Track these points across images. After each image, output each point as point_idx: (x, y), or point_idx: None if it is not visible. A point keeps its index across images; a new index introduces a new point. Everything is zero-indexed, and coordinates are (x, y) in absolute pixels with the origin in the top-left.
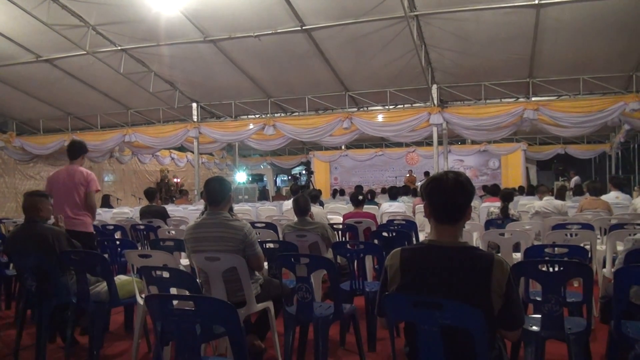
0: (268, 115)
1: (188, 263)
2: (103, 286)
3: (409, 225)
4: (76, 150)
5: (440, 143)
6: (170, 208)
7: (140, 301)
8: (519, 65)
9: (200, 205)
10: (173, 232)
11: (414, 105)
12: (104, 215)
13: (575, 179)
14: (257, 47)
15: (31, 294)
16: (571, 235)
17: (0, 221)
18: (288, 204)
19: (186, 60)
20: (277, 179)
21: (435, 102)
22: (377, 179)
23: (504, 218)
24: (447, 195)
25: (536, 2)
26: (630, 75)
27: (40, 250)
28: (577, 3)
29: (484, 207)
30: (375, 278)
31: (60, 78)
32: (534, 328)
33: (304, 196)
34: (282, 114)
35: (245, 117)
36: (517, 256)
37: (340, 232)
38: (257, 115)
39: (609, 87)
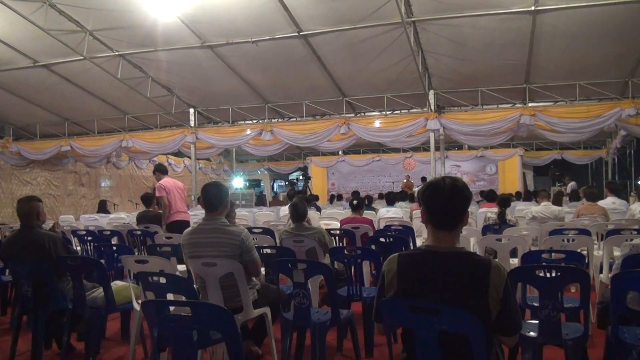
0: (265, 120)
1: (185, 269)
2: (99, 292)
3: (406, 231)
4: (166, 169)
5: (437, 149)
6: None
7: (137, 307)
8: (515, 71)
9: (197, 211)
10: (170, 237)
11: (411, 110)
12: (101, 221)
13: (572, 185)
14: (254, 53)
15: (27, 300)
16: (568, 240)
17: None
18: (285, 209)
19: (183, 66)
20: (274, 184)
21: (432, 107)
22: (374, 185)
23: (501, 223)
24: (445, 201)
25: (532, 8)
26: (626, 81)
27: (36, 256)
28: (573, 9)
29: (481, 213)
30: (373, 284)
31: (58, 83)
32: (531, 334)
33: (302, 202)
34: (280, 120)
35: (243, 122)
36: (515, 262)
37: (337, 237)
38: (254, 121)
39: (605, 93)
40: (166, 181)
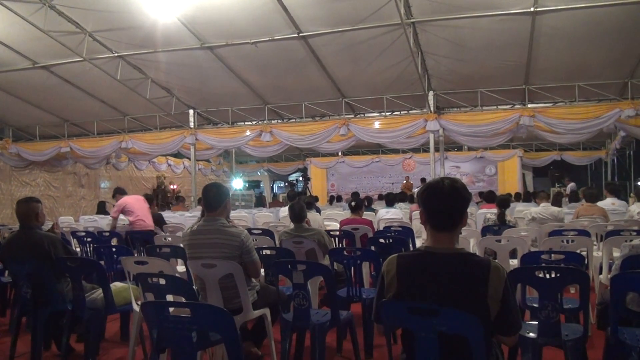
0: (265, 121)
1: (184, 270)
2: (99, 293)
3: (406, 232)
4: (124, 190)
5: (436, 150)
6: (166, 214)
7: (136, 308)
8: (515, 72)
9: (197, 212)
10: (169, 238)
11: (410, 112)
12: (100, 222)
13: (571, 186)
14: (253, 54)
15: (26, 301)
16: (567, 241)
17: None
18: (285, 210)
19: (183, 67)
20: (274, 185)
21: (432, 108)
22: (374, 186)
23: (501, 224)
24: (443, 202)
25: (532, 9)
26: (625, 82)
27: (36, 257)
28: (572, 11)
29: (481, 214)
30: (372, 285)
31: (57, 84)
32: (531, 334)
33: (300, 203)
34: (279, 121)
35: (242, 123)
36: (514, 262)
37: (337, 238)
38: (253, 122)
39: (604, 94)
40: (128, 199)
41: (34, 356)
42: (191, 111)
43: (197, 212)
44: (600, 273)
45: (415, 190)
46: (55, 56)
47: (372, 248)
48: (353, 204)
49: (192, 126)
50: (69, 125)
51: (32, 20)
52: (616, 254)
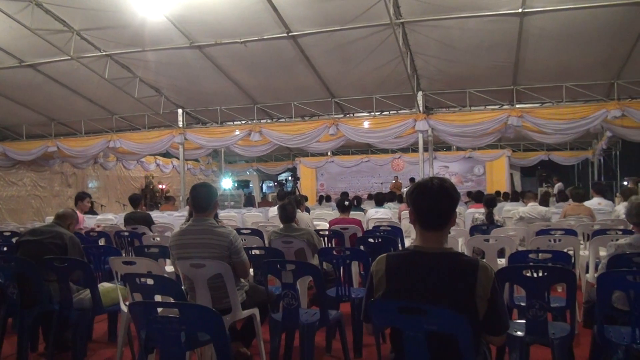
0: (254, 121)
1: (172, 270)
2: (86, 293)
3: (395, 232)
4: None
5: (425, 149)
6: (155, 214)
7: (124, 308)
8: (503, 73)
9: (185, 212)
10: (158, 238)
11: (399, 112)
12: (88, 222)
13: (559, 185)
14: (243, 53)
15: (13, 302)
16: (555, 240)
17: None
18: (274, 210)
19: (172, 66)
20: (263, 185)
21: (421, 108)
22: (363, 185)
23: (489, 224)
24: (432, 201)
25: (520, 10)
26: (612, 83)
27: (47, 239)
28: (560, 12)
29: (469, 213)
30: (361, 284)
31: (44, 83)
32: (519, 333)
33: (291, 203)
34: (268, 120)
35: (231, 123)
36: (502, 262)
37: (326, 238)
38: (243, 122)
39: (591, 95)
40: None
41: (21, 357)
42: (180, 110)
43: (185, 211)
44: (587, 272)
45: (404, 190)
46: (42, 55)
47: (362, 248)
48: (346, 204)
49: (180, 126)
50: (56, 124)
51: (19, 18)
52: (602, 253)
